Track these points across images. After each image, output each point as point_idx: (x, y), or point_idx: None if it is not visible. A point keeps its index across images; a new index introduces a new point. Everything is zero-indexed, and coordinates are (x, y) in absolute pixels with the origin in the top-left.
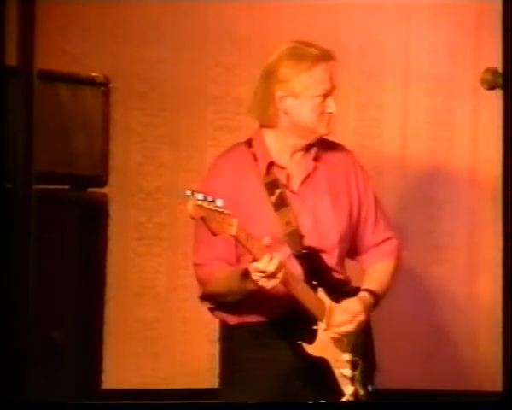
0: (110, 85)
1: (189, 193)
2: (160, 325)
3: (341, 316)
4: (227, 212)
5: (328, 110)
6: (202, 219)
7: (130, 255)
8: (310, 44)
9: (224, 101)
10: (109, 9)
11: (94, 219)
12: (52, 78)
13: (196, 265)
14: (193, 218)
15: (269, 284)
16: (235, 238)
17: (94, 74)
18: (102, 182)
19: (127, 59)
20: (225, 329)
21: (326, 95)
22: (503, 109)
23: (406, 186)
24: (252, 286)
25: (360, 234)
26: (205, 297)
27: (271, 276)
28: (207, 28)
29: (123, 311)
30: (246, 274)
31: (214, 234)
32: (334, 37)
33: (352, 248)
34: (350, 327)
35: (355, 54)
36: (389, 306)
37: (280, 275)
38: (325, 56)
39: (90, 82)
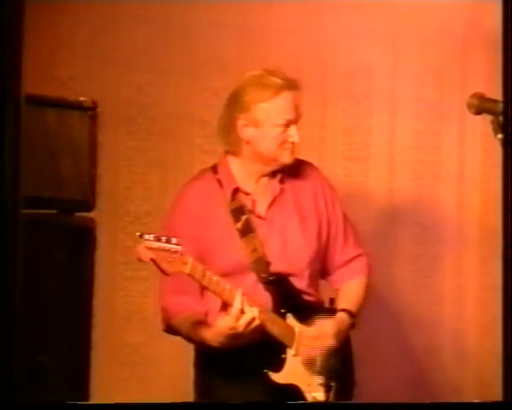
0: (98, 110)
1: (138, 235)
2: (148, 350)
3: (311, 342)
4: (180, 250)
5: (290, 139)
6: (152, 260)
7: (118, 279)
8: (274, 73)
9: (211, 125)
10: (97, 34)
11: (81, 243)
12: (40, 102)
13: (159, 301)
14: (141, 261)
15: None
16: (191, 276)
17: (81, 99)
18: (90, 206)
19: (115, 83)
20: (200, 356)
21: (288, 124)
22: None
23: (393, 209)
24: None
25: (330, 253)
26: (169, 331)
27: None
28: (195, 52)
29: (110, 335)
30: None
31: (167, 274)
32: (322, 61)
33: (322, 267)
34: (318, 353)
35: (342, 78)
36: (374, 331)
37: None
38: (288, 85)
39: (77, 106)
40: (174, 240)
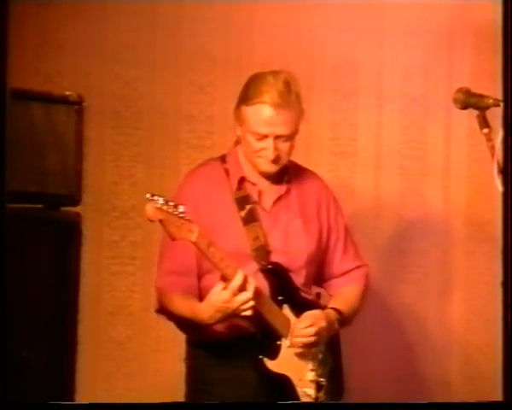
0: (84, 104)
1: (148, 196)
2: (134, 345)
3: (302, 322)
4: (188, 218)
5: (264, 152)
6: (161, 222)
7: (104, 274)
8: (276, 82)
9: (197, 119)
10: (83, 28)
11: (67, 237)
12: (25, 96)
13: (156, 282)
14: (151, 220)
15: (247, 306)
16: (195, 245)
17: (67, 93)
18: (76, 201)
19: (101, 77)
20: (191, 349)
21: (266, 137)
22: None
23: (379, 204)
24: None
25: (328, 261)
26: (161, 311)
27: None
28: (182, 47)
29: (96, 330)
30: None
31: (173, 239)
32: (309, 56)
33: (319, 274)
34: (311, 331)
35: (329, 73)
36: (360, 325)
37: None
38: (275, 103)
39: (63, 100)
40: (181, 208)
